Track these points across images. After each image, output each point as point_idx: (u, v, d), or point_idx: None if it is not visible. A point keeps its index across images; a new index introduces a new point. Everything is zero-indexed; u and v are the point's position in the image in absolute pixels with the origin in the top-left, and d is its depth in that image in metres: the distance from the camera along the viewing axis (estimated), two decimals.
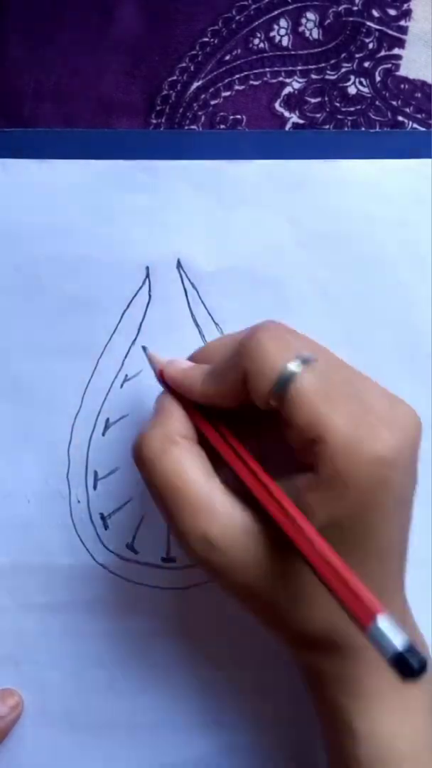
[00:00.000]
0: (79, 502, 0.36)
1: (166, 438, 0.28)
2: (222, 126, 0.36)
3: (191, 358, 0.32)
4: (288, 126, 0.36)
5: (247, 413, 0.29)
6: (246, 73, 0.36)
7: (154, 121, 0.37)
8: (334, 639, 0.28)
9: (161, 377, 0.31)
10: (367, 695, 0.28)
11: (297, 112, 0.36)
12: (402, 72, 0.36)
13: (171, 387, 0.30)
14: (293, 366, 0.26)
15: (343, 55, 0.36)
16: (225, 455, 0.28)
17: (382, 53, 0.36)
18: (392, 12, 0.36)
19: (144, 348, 0.35)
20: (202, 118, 0.36)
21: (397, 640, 0.22)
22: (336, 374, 0.27)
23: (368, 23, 0.36)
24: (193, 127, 0.36)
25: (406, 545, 0.29)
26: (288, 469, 0.27)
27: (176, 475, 0.28)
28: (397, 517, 0.27)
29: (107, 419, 0.36)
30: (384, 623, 0.22)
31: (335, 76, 0.36)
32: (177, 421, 0.29)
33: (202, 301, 0.36)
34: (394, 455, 0.25)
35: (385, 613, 0.22)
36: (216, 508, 0.27)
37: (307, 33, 0.36)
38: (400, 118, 0.36)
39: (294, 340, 0.27)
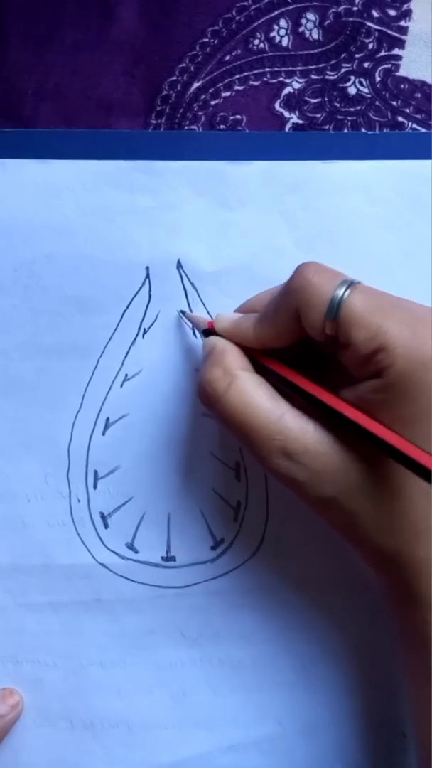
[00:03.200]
0: (79, 501, 0.36)
1: (226, 373, 0.30)
2: (222, 126, 0.36)
3: (238, 310, 0.34)
4: (288, 126, 0.36)
5: (297, 356, 0.30)
6: (246, 73, 0.36)
7: (154, 122, 0.37)
8: (417, 550, 0.28)
9: (209, 332, 0.33)
10: None
11: (297, 112, 0.36)
12: (402, 72, 0.36)
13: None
14: (340, 291, 0.27)
15: (343, 55, 0.36)
16: (290, 377, 0.29)
17: (382, 53, 0.36)
18: (392, 12, 0.36)
19: (182, 312, 0.35)
20: (202, 119, 0.36)
21: None
22: (382, 293, 0.28)
23: (368, 23, 0.36)
24: (193, 127, 0.36)
25: None
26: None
27: (244, 405, 0.29)
28: None
29: (107, 419, 0.36)
30: None
31: (335, 77, 0.36)
32: (232, 356, 0.31)
33: (202, 301, 0.36)
34: None
35: None
36: (289, 426, 0.28)
37: (307, 33, 0.36)
38: (400, 119, 0.36)
39: (335, 272, 0.29)
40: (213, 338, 0.32)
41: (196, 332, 0.35)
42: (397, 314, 0.27)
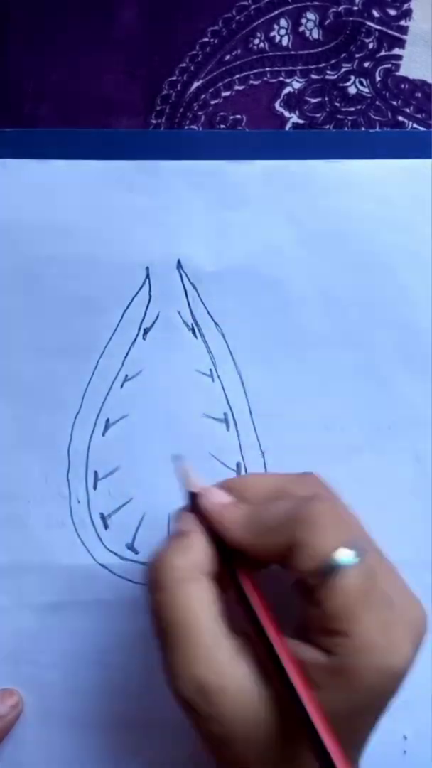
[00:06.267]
0: (79, 502, 0.36)
1: (188, 570, 0.27)
2: (222, 126, 0.36)
3: (226, 485, 0.30)
4: (288, 126, 0.36)
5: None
6: (246, 73, 0.36)
7: (154, 121, 0.37)
8: None
9: (191, 500, 0.30)
10: None
11: (297, 112, 0.36)
12: (402, 72, 0.36)
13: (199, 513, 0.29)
14: (347, 557, 0.26)
15: (343, 55, 0.36)
16: (254, 605, 0.27)
17: (382, 53, 0.36)
18: (392, 12, 0.36)
19: (176, 457, 0.31)
20: (202, 118, 0.36)
21: None
22: (378, 572, 0.27)
23: (368, 23, 0.36)
24: (193, 127, 0.36)
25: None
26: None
27: (188, 613, 0.27)
28: (378, 721, 0.27)
29: (107, 419, 0.36)
30: None
31: (335, 76, 0.36)
32: (202, 553, 0.28)
33: (202, 301, 0.36)
34: (407, 668, 0.26)
35: None
36: (218, 657, 0.26)
37: (307, 33, 0.36)
38: (401, 118, 0.36)
39: (349, 524, 0.27)
40: (188, 519, 0.29)
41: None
42: (378, 607, 0.25)
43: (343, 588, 0.25)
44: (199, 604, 0.27)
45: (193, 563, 0.28)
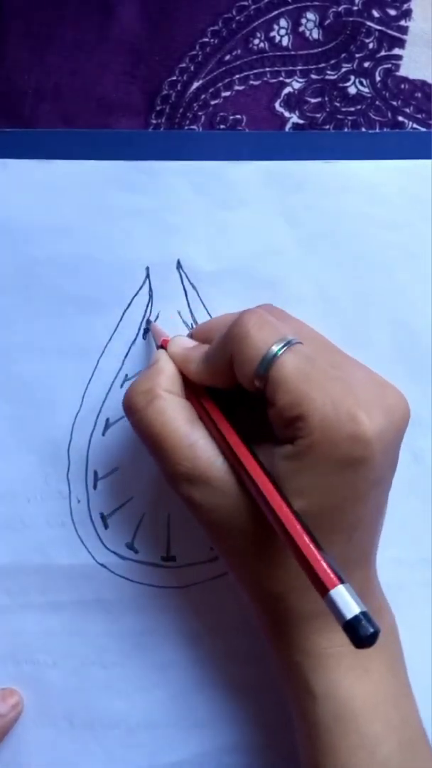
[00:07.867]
0: (79, 501, 0.36)
1: (150, 391, 0.30)
2: (222, 126, 0.36)
3: (192, 335, 0.33)
4: (288, 126, 0.36)
5: (244, 398, 0.30)
6: (246, 73, 0.36)
7: (154, 122, 0.37)
8: (292, 601, 0.29)
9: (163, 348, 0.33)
10: (323, 657, 0.29)
11: (297, 112, 0.36)
12: (402, 72, 0.36)
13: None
14: (275, 348, 0.27)
15: (343, 55, 0.36)
16: (217, 420, 0.30)
17: (382, 53, 0.36)
18: (392, 12, 0.36)
19: (149, 321, 0.35)
20: (202, 119, 0.36)
21: (351, 609, 0.23)
22: (322, 357, 0.28)
23: (368, 23, 0.36)
24: (193, 127, 0.36)
25: (379, 525, 0.30)
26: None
27: (160, 425, 0.29)
28: (370, 498, 0.28)
29: (107, 419, 0.36)
30: (340, 593, 0.23)
31: (335, 76, 0.36)
32: (165, 376, 0.31)
33: (202, 301, 0.36)
34: (371, 437, 0.26)
35: (344, 584, 0.24)
36: (198, 454, 0.29)
37: (307, 33, 0.36)
38: (401, 118, 0.36)
39: (280, 325, 0.29)
40: (160, 352, 0.32)
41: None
42: (326, 385, 0.27)
43: (283, 374, 0.27)
44: (168, 415, 0.30)
45: (158, 384, 0.30)
